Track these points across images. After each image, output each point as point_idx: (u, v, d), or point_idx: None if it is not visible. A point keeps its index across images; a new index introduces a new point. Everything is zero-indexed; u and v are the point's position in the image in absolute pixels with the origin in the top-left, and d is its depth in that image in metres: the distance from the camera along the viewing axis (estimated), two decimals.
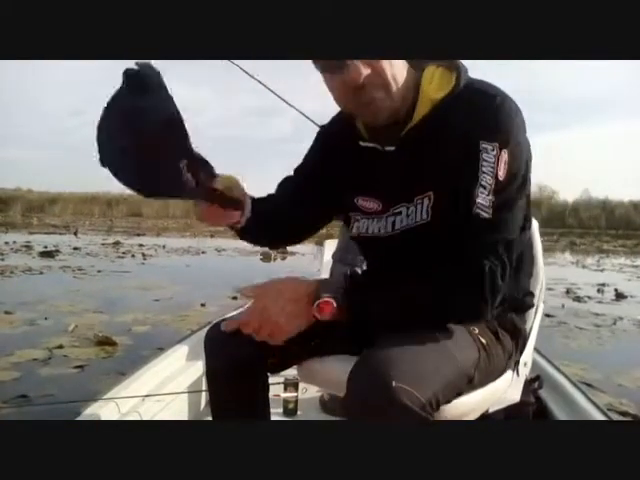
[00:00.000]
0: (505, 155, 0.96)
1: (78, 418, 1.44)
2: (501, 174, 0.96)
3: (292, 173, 1.26)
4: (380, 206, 1.11)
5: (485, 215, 0.95)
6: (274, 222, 1.21)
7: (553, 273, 8.28)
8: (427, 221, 1.03)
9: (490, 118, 0.98)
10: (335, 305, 0.96)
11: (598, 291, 6.84)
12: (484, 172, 0.96)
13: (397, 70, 0.98)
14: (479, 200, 0.95)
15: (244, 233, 1.20)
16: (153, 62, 0.89)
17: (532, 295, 1.21)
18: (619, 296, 6.41)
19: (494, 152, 0.96)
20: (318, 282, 1.01)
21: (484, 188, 0.96)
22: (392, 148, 1.06)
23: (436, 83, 1.04)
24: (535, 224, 1.36)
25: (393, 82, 0.98)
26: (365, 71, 0.95)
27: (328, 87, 1.03)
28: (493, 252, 0.95)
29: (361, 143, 1.11)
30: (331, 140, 1.21)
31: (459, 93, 1.01)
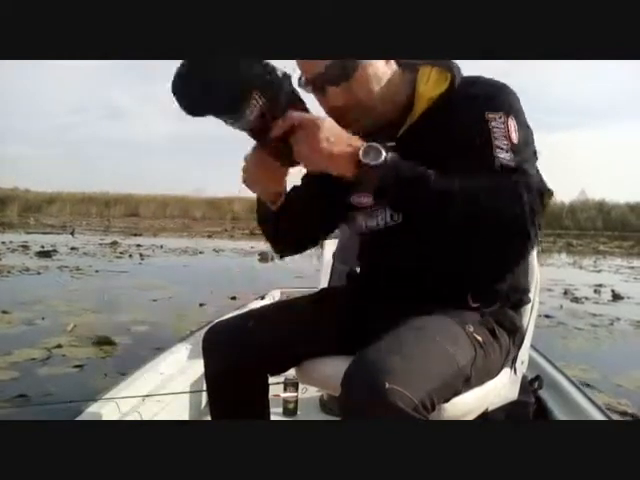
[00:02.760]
0: (513, 122, 0.98)
1: (78, 418, 1.43)
2: (514, 137, 0.97)
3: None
4: (371, 200, 1.12)
5: (510, 164, 0.95)
6: (294, 222, 1.20)
7: (551, 274, 8.28)
8: None
9: (491, 94, 1.01)
10: (383, 152, 0.93)
11: (595, 292, 6.85)
12: (496, 137, 0.97)
13: (379, 87, 1.00)
14: (499, 154, 0.96)
15: (273, 223, 1.19)
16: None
17: (528, 292, 1.21)
18: (616, 297, 6.41)
19: (502, 120, 0.97)
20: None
21: (501, 149, 0.96)
22: (392, 144, 1.05)
23: (432, 82, 1.05)
24: None
25: (372, 102, 1.02)
26: (341, 99, 1.01)
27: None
28: (527, 189, 0.93)
29: None
30: None
31: (457, 88, 1.03)
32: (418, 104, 1.06)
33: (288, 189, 1.18)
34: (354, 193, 1.16)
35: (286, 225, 1.20)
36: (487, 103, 1.00)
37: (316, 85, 1.02)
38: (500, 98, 1.01)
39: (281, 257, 1.31)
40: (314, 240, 1.31)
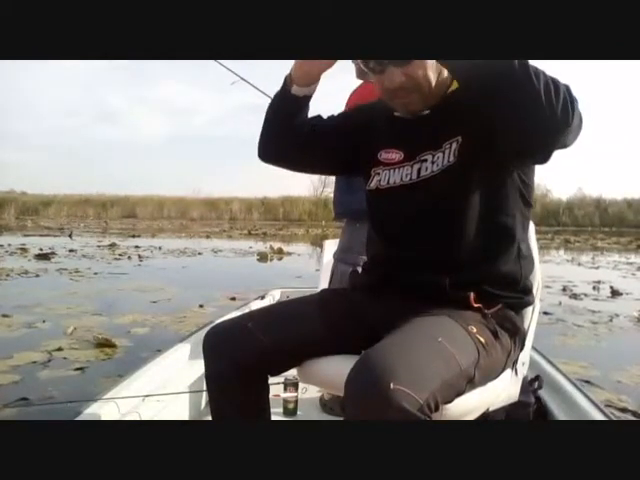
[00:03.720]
0: None
1: (78, 418, 1.43)
2: None
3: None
4: (402, 156, 1.17)
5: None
6: (304, 129, 1.24)
7: (549, 271, 8.30)
8: (452, 163, 1.09)
9: None
10: None
11: (594, 288, 6.85)
12: None
13: (431, 72, 1.05)
14: None
15: (293, 110, 1.21)
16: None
17: (530, 293, 1.21)
18: (614, 293, 6.42)
19: None
20: None
21: None
22: (426, 112, 1.13)
23: None
24: (532, 226, 1.37)
25: (426, 85, 1.07)
26: (399, 78, 1.05)
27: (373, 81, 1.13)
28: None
29: (395, 113, 1.18)
30: (366, 110, 1.30)
31: None
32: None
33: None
34: (383, 148, 1.21)
35: (285, 136, 1.23)
36: None
37: (379, 66, 1.05)
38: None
39: (262, 157, 1.31)
40: (306, 163, 1.35)
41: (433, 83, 1.07)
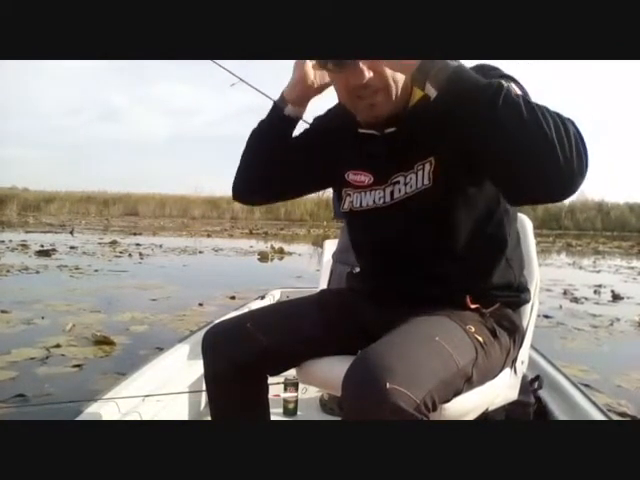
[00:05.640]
0: (517, 88, 0.88)
1: (78, 418, 1.43)
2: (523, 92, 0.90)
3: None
4: (371, 179, 1.13)
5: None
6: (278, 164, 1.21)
7: (550, 274, 8.28)
8: (428, 186, 1.05)
9: (488, 65, 1.00)
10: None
11: (595, 292, 6.84)
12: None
13: (398, 74, 1.00)
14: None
15: (283, 132, 1.20)
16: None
17: (528, 291, 1.21)
18: (616, 297, 6.41)
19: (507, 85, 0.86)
20: None
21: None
22: (392, 129, 1.08)
23: None
24: (529, 223, 1.37)
25: (394, 85, 1.01)
26: (368, 74, 0.98)
27: (334, 86, 1.08)
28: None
29: (360, 130, 1.13)
30: (329, 124, 1.23)
31: None
32: (417, 90, 1.04)
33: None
34: (350, 169, 1.17)
35: (271, 162, 1.20)
36: (486, 73, 0.92)
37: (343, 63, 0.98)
38: (498, 70, 0.98)
39: (238, 197, 1.27)
40: (281, 192, 1.29)
41: (400, 84, 1.02)
